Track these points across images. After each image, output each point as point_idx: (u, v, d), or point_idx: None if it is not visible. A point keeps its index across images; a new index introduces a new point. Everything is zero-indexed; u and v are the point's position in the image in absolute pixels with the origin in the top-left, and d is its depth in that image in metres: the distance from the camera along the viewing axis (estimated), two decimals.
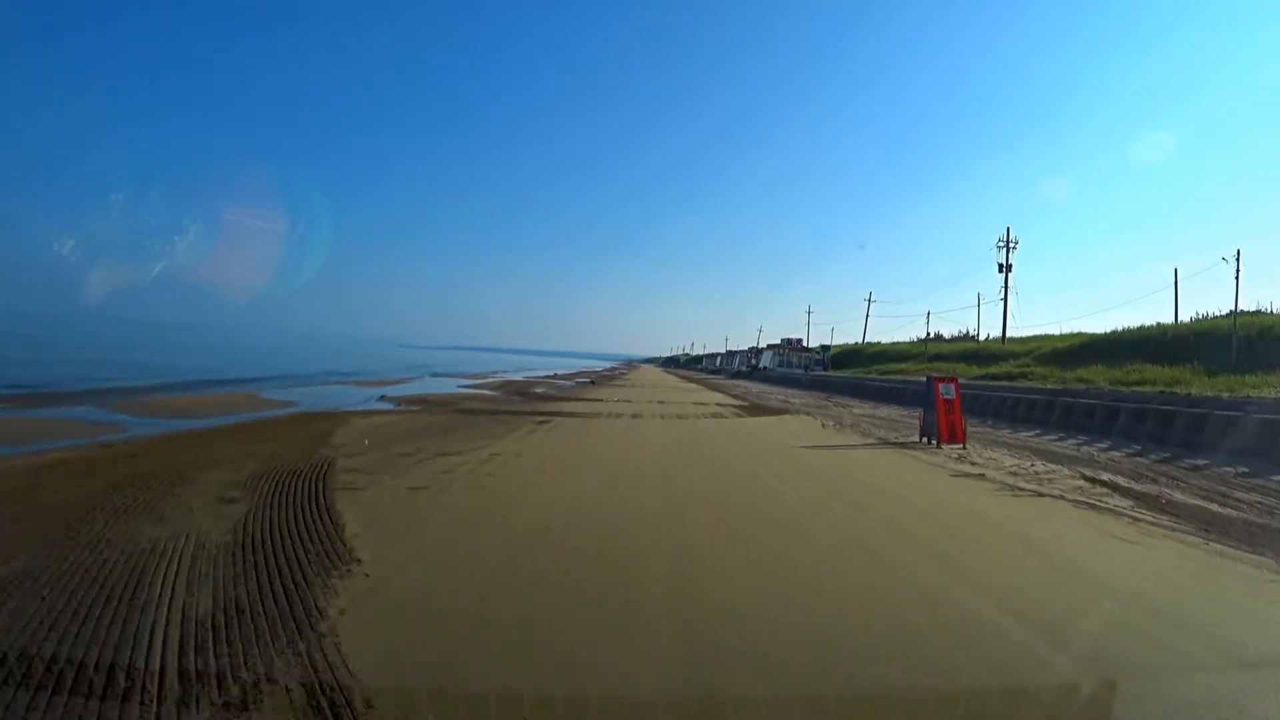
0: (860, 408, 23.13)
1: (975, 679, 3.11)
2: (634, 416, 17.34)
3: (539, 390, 30.92)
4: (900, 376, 35.40)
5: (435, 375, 42.58)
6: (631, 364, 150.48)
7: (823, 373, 57.86)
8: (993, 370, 32.49)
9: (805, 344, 68.50)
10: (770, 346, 69.42)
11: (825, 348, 69.69)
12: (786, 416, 18.97)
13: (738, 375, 67.33)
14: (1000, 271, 45.30)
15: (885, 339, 73.72)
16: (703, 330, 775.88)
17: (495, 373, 53.91)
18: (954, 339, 67.64)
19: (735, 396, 29.49)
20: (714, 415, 18.47)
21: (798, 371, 60.94)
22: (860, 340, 75.48)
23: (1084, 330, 42.56)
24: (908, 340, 73.36)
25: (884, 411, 21.51)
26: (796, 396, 30.23)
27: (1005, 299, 44.49)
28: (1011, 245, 45.17)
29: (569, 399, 24.31)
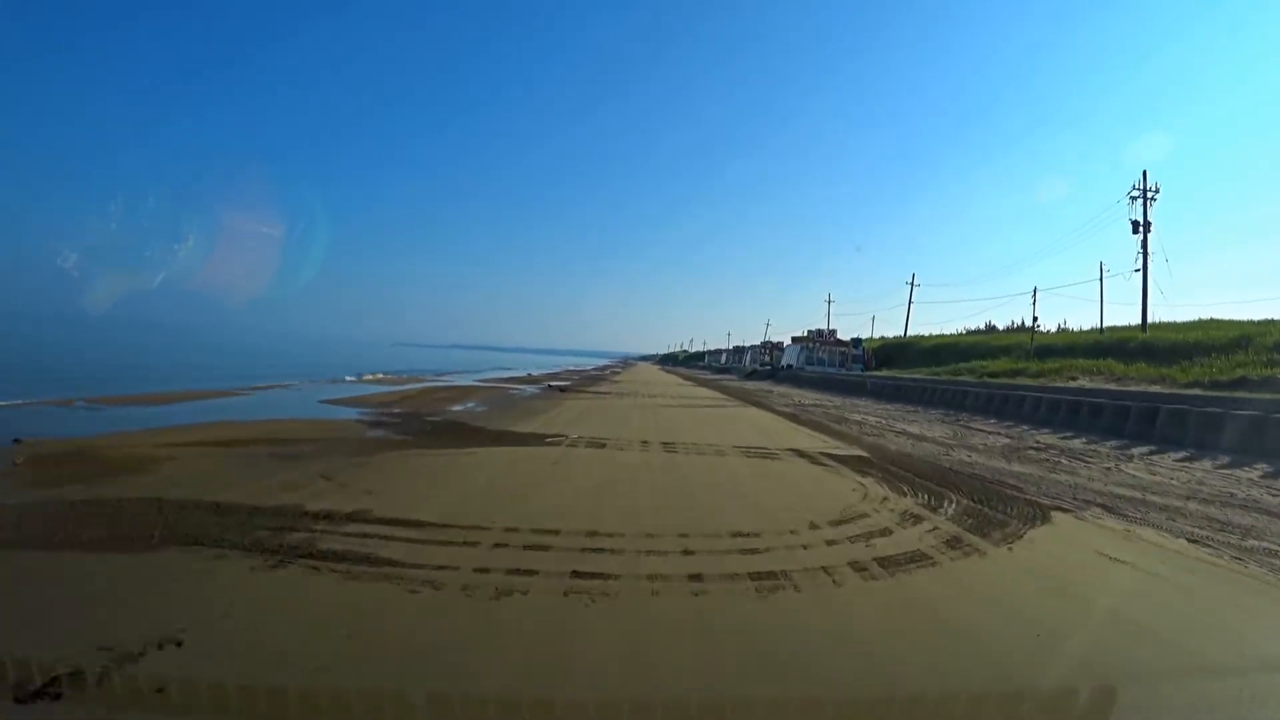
0: (1139, 465, 10.38)
1: None
2: (571, 593, 4.45)
3: (457, 409, 18.14)
4: (1082, 383, 22.31)
5: (351, 379, 29.66)
6: (628, 362, 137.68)
7: (865, 372, 45.21)
8: (1208, 375, 19.73)
9: (832, 337, 55.67)
10: (795, 339, 56.53)
11: (857, 341, 56.96)
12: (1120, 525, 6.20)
13: (755, 375, 54.52)
14: (1135, 232, 32.58)
15: (924, 331, 61.31)
16: (701, 328, 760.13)
17: (446, 374, 41.15)
18: (1015, 330, 55.16)
19: (800, 418, 16.73)
20: (888, 553, 5.65)
21: (834, 370, 48.25)
22: (903, 333, 62.77)
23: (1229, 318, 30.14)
24: (959, 332, 60.73)
25: None
26: (902, 419, 17.46)
27: (1145, 269, 31.66)
28: (1151, 196, 32.42)
29: (479, 439, 11.52)
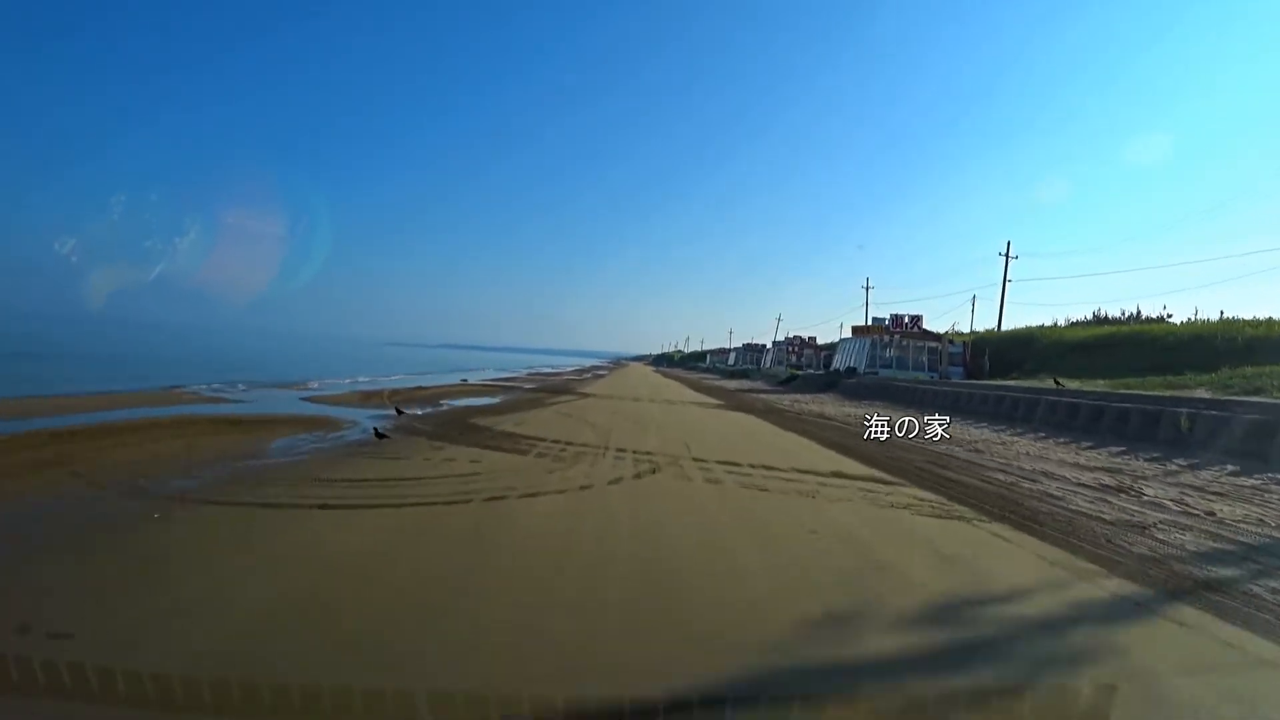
0: None
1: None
2: None
3: None
4: None
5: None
6: (620, 362, 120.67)
7: (963, 381, 28.41)
8: None
9: (916, 326, 38.32)
10: (857, 330, 39.36)
11: (933, 334, 39.85)
12: None
13: (796, 383, 37.37)
14: None
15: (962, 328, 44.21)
16: (696, 326, 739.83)
17: (351, 379, 24.24)
18: (1136, 319, 38.41)
19: None
20: None
21: (925, 376, 31.36)
22: (996, 325, 45.32)
23: None
24: (1065, 323, 43.51)
25: None
26: None
27: None
28: None
29: None
